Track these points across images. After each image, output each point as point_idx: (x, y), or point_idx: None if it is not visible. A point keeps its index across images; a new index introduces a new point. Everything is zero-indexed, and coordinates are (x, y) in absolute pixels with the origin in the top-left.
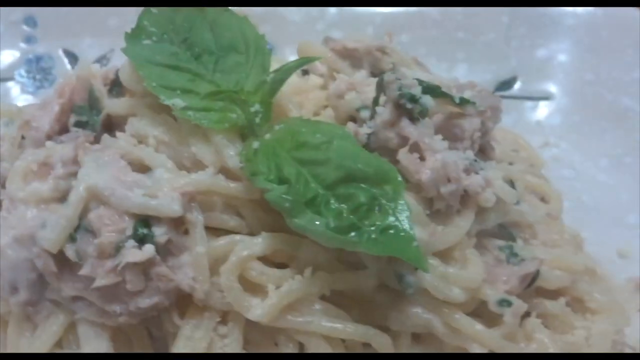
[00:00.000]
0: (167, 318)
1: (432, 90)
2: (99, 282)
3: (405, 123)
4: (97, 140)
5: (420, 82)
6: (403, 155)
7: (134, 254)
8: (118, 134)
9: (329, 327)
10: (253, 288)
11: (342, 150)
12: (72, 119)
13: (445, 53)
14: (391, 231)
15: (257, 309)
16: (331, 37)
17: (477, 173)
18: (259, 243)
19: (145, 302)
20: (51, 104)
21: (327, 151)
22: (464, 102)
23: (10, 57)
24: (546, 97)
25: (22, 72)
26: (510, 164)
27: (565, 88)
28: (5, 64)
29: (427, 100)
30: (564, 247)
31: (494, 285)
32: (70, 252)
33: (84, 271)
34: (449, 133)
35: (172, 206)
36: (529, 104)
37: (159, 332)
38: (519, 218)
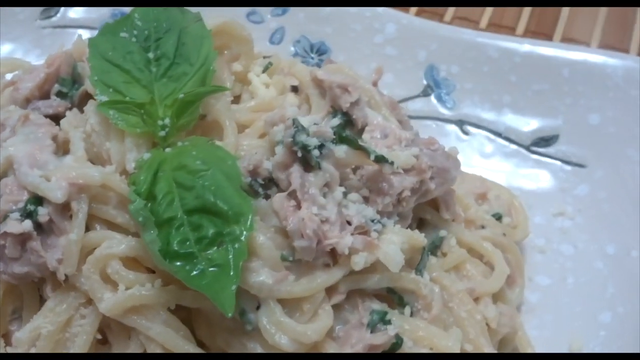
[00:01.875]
0: (45, 287)
1: (347, 141)
2: None
3: (294, 169)
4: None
5: (340, 131)
6: (277, 198)
7: (13, 225)
8: (68, 113)
9: (164, 336)
10: (114, 283)
11: (210, 181)
12: (55, 88)
13: (491, 93)
14: (217, 270)
15: (104, 302)
16: (331, 61)
17: (365, 233)
18: (124, 245)
19: (18, 269)
20: (38, 71)
21: (198, 179)
22: (379, 159)
23: None
24: (581, 164)
25: None
26: (483, 227)
27: (604, 161)
28: None
29: (329, 151)
30: (452, 328)
31: (342, 345)
32: None
33: None
34: (375, 186)
35: (56, 192)
36: (560, 167)
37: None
38: (413, 287)
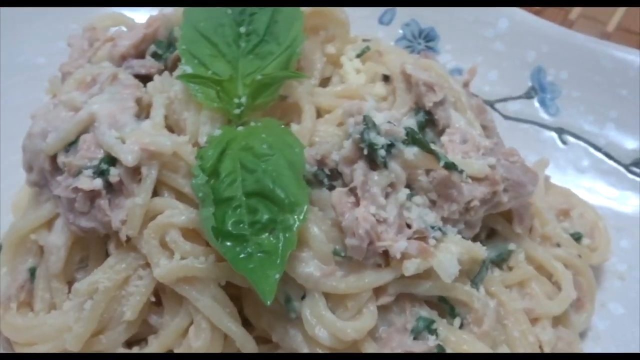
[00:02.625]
0: (109, 243)
1: (419, 143)
2: (57, 192)
3: (359, 165)
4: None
5: (412, 132)
6: (336, 193)
7: (85, 181)
8: (156, 77)
9: (210, 310)
10: (172, 251)
11: (272, 166)
12: (151, 49)
13: (598, 104)
14: (265, 256)
15: (159, 268)
16: (426, 54)
17: (423, 238)
18: (185, 216)
19: (85, 223)
20: (137, 30)
21: (262, 162)
22: (449, 166)
23: None
24: None
25: None
26: (558, 245)
27: None
28: None
29: (399, 151)
30: (501, 346)
31: (382, 347)
32: (60, 159)
33: (58, 178)
34: (444, 191)
35: (127, 155)
36: None
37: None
38: (466, 299)
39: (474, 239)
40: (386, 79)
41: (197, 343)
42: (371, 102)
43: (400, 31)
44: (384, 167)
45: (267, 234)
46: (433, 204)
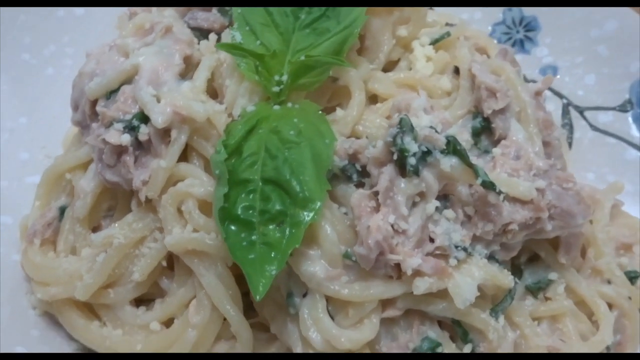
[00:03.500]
0: (132, 199)
1: (459, 154)
2: (89, 140)
3: (387, 169)
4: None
5: (454, 142)
6: (357, 195)
7: (113, 135)
8: (211, 36)
9: (212, 288)
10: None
11: (295, 156)
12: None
13: None
14: (266, 248)
15: (170, 237)
16: (508, 50)
17: (445, 257)
18: (204, 189)
19: (109, 176)
20: None
21: (286, 150)
22: (487, 185)
23: None
24: None
25: None
26: (609, 282)
27: None
28: None
29: (435, 160)
30: None
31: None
32: (99, 106)
33: (93, 125)
34: (482, 208)
35: (158, 116)
36: None
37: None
38: (481, 327)
39: (513, 261)
40: (457, 71)
41: (195, 318)
42: (421, 100)
43: (501, 15)
44: (414, 175)
45: (274, 226)
46: (468, 219)
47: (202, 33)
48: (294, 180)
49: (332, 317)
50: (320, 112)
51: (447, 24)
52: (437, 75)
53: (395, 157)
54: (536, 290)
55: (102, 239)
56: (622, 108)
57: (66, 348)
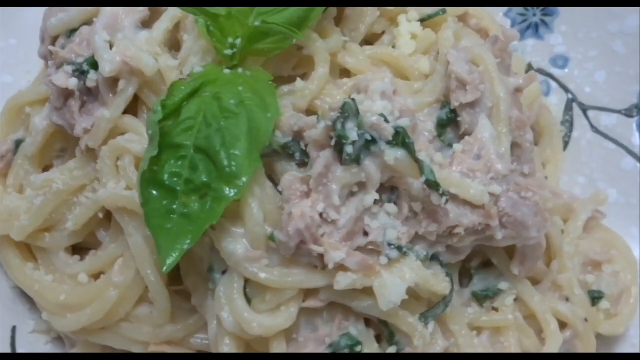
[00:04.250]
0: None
1: (406, 147)
2: (40, 79)
3: (324, 154)
4: None
5: (404, 135)
6: (288, 177)
7: (60, 77)
8: None
9: (138, 250)
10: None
11: (230, 127)
12: None
13: None
14: (184, 221)
15: (102, 191)
16: (498, 38)
17: (374, 253)
18: (142, 146)
19: (55, 119)
20: None
21: (222, 119)
22: (430, 184)
23: None
24: None
25: None
26: (567, 299)
27: None
28: None
29: (379, 150)
30: None
31: (293, 349)
32: (58, 44)
33: (49, 63)
34: (430, 206)
35: (105, 64)
36: None
37: None
38: (407, 331)
39: (464, 264)
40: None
41: (118, 278)
42: (382, 84)
43: None
44: (354, 164)
45: (197, 197)
46: (414, 215)
47: None
48: (223, 152)
49: (249, 300)
50: (271, 82)
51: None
52: (418, 55)
53: (333, 142)
54: (483, 298)
55: (42, 181)
56: (628, 113)
57: (4, 284)
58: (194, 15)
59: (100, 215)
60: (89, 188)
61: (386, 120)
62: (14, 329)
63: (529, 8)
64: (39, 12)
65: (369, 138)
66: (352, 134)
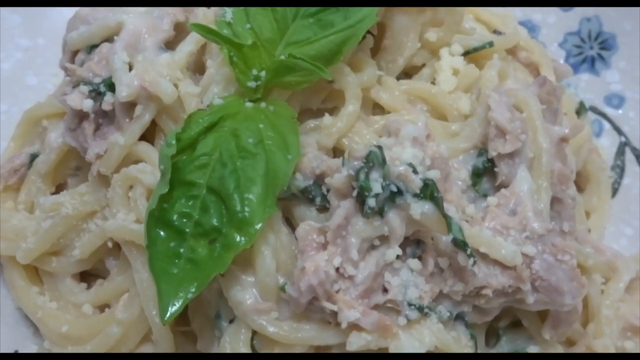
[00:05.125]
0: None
1: (434, 201)
2: (54, 95)
3: (345, 205)
4: None
5: (432, 187)
6: (304, 226)
7: (75, 98)
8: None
9: (144, 287)
10: None
11: (246, 169)
12: None
13: None
14: (190, 267)
15: (111, 221)
16: (547, 80)
17: (394, 311)
18: (155, 177)
19: (68, 139)
20: None
21: (239, 159)
22: (458, 244)
23: None
24: None
25: None
26: None
27: None
28: None
29: (405, 203)
30: None
31: None
32: (77, 59)
33: (66, 78)
34: (457, 264)
35: (122, 88)
36: None
37: None
38: None
39: (491, 322)
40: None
41: (122, 314)
42: (414, 128)
43: (577, 24)
44: (377, 216)
45: (205, 242)
46: (439, 271)
47: None
48: (237, 195)
49: (256, 352)
50: (294, 119)
51: (495, 32)
52: (459, 93)
53: (355, 193)
54: None
55: (51, 204)
56: None
57: (10, 303)
58: (216, 43)
59: (110, 244)
60: (99, 215)
61: (415, 171)
62: (15, 354)
63: (586, 40)
64: (69, 10)
65: (394, 189)
66: (376, 186)
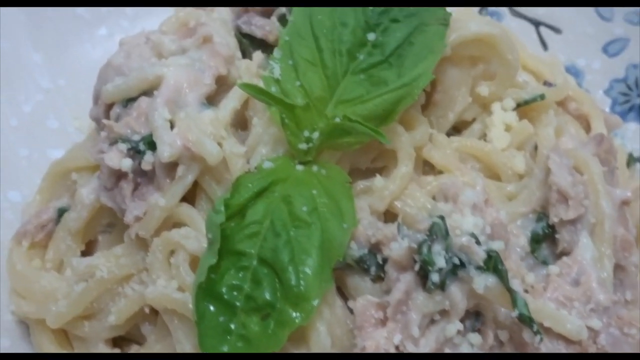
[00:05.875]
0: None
1: (499, 274)
2: (89, 152)
3: (405, 278)
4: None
5: (496, 260)
6: (362, 301)
7: (113, 157)
8: (257, 54)
9: None
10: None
11: (301, 239)
12: (280, 10)
13: None
14: (242, 345)
15: (151, 288)
16: (604, 137)
17: None
18: (200, 243)
19: (104, 199)
20: None
21: (292, 229)
22: (524, 319)
23: None
24: None
25: None
26: None
27: None
28: None
29: (467, 276)
30: None
31: None
32: (113, 112)
33: (102, 133)
34: (518, 337)
35: (164, 148)
36: None
37: None
38: None
39: None
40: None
41: None
42: (473, 194)
43: (623, 71)
44: (438, 290)
45: (257, 318)
46: (499, 344)
47: (253, 42)
48: (292, 269)
49: None
50: (348, 183)
51: (545, 83)
52: (512, 150)
53: (417, 267)
54: None
55: (84, 267)
56: None
57: None
58: (268, 104)
59: (146, 310)
60: (136, 278)
61: (477, 242)
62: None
63: (633, 87)
64: (91, 50)
65: (457, 262)
66: (440, 260)
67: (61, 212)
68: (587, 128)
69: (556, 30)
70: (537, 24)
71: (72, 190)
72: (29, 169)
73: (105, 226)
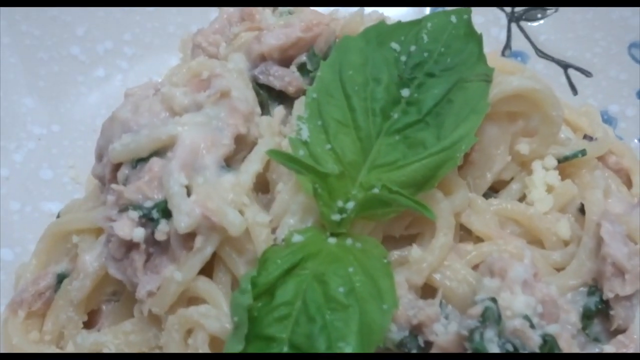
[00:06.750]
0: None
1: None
2: (96, 218)
3: None
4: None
5: (551, 344)
6: None
7: (123, 226)
8: (278, 109)
9: None
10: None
11: (338, 323)
12: (300, 59)
13: None
14: None
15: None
16: None
17: None
18: (221, 324)
19: (113, 271)
20: (292, 30)
21: (327, 312)
22: None
23: None
24: None
25: None
26: None
27: None
28: None
29: None
30: None
31: None
32: (121, 173)
33: (109, 197)
34: None
35: (181, 218)
36: None
37: None
38: None
39: None
40: (583, 210)
41: None
42: (522, 270)
43: None
44: None
45: None
46: None
47: (271, 94)
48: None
49: None
50: (386, 259)
51: (585, 136)
52: (555, 213)
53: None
54: None
55: (90, 344)
56: None
57: None
58: (298, 173)
59: None
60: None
61: (531, 325)
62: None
63: None
64: (88, 93)
65: (511, 349)
66: (492, 347)
67: (60, 278)
68: (627, 182)
69: (586, 73)
70: (565, 66)
71: (72, 253)
72: (21, 224)
73: (110, 295)
